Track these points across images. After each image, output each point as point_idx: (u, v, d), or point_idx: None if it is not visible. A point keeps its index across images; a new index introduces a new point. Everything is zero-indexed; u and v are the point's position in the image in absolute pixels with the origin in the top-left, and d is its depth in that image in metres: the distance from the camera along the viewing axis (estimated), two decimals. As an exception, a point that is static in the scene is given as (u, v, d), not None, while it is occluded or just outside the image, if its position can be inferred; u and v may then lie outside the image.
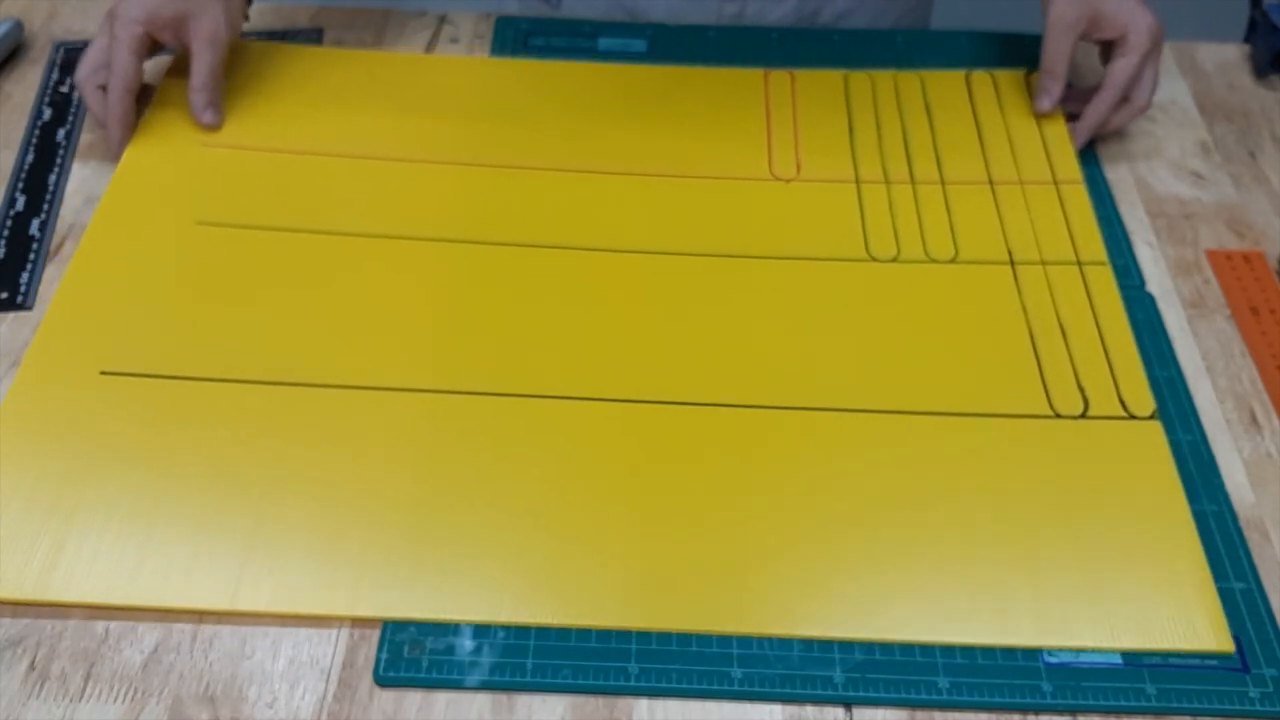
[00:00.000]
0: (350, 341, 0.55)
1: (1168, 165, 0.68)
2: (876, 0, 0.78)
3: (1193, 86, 0.72)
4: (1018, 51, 0.73)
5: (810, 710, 0.44)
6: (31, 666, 0.44)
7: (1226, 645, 0.46)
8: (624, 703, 0.44)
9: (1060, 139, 0.66)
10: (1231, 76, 0.74)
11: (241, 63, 0.68)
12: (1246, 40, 0.76)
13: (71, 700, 0.43)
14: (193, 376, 0.53)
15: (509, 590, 0.46)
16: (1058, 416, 0.53)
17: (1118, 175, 0.67)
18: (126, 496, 0.48)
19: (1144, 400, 0.54)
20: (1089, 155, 0.67)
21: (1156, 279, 0.61)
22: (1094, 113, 0.65)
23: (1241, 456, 0.53)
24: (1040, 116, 0.67)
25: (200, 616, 0.46)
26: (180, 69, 0.66)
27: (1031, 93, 0.69)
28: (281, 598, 0.46)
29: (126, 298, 0.56)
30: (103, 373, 0.53)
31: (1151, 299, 0.60)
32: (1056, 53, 0.65)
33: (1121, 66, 0.63)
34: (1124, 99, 0.65)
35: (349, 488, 0.49)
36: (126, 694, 0.44)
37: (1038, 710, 0.45)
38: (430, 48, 0.73)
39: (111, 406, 0.51)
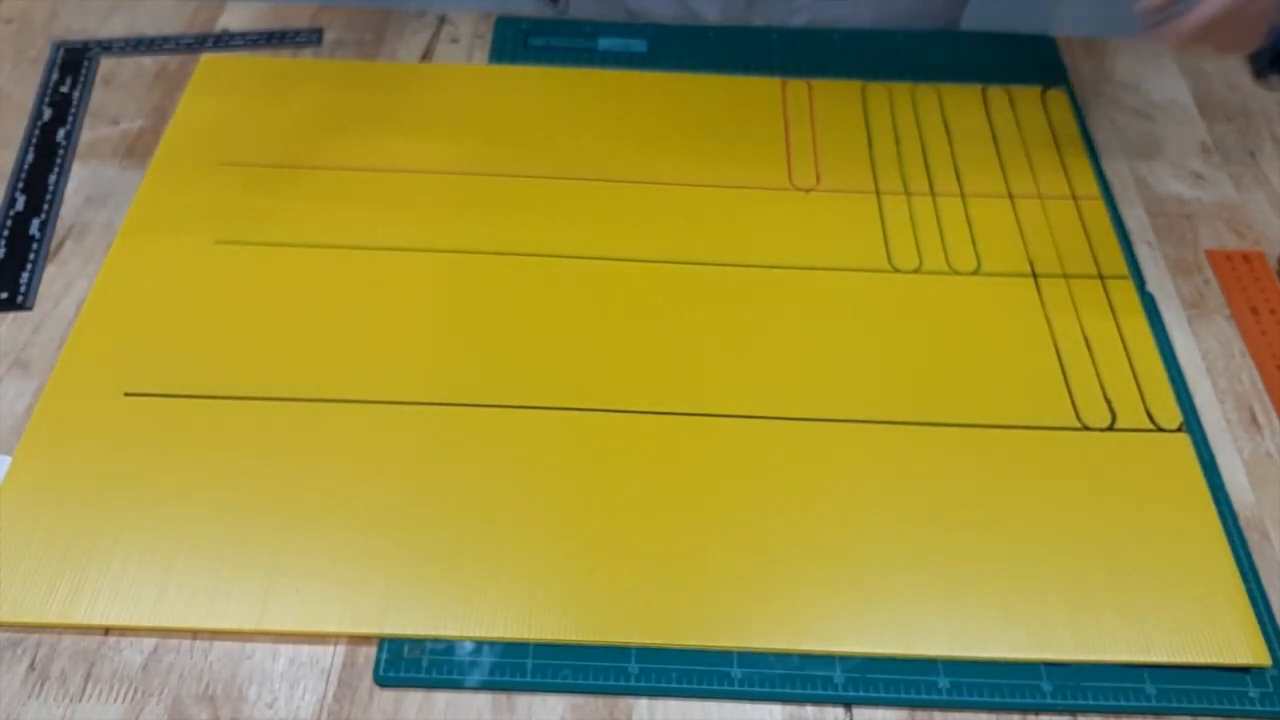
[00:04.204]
0: (373, 356, 0.54)
1: (1168, 165, 0.68)
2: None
3: (1193, 86, 0.72)
4: (1009, 49, 0.73)
5: (810, 710, 0.44)
6: (31, 666, 0.44)
7: (1263, 659, 0.46)
8: (624, 703, 0.44)
9: (1077, 154, 0.66)
10: (1231, 76, 0.73)
11: (249, 78, 0.68)
12: (1246, 40, 0.76)
13: (71, 700, 0.43)
14: (215, 395, 0.52)
15: (532, 607, 0.46)
16: (1085, 429, 0.53)
17: (1117, 175, 0.67)
18: (151, 518, 0.48)
19: (1171, 413, 0.54)
20: (1088, 155, 0.67)
21: (1156, 279, 0.61)
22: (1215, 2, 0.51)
23: (1241, 456, 0.53)
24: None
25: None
26: (195, 90, 0.67)
27: (1047, 109, 0.68)
28: (309, 617, 0.45)
29: (149, 319, 0.56)
30: (126, 394, 0.52)
31: (1151, 299, 0.60)
32: None
33: None
34: None
35: (372, 504, 0.49)
36: (126, 694, 0.44)
37: (1038, 710, 0.45)
38: (430, 47, 0.73)
39: (136, 427, 0.51)
